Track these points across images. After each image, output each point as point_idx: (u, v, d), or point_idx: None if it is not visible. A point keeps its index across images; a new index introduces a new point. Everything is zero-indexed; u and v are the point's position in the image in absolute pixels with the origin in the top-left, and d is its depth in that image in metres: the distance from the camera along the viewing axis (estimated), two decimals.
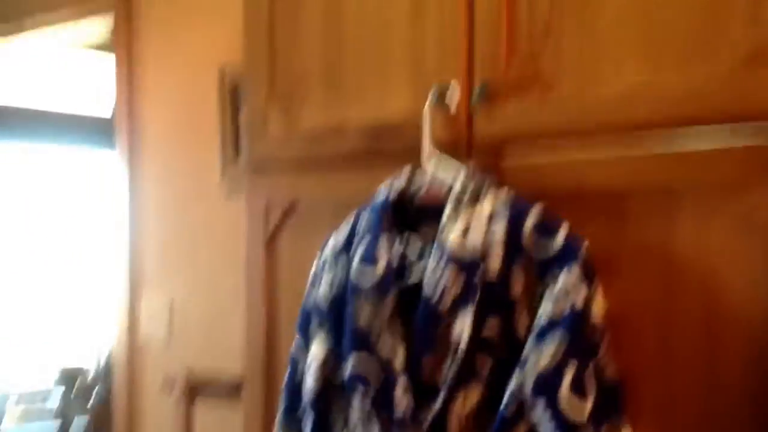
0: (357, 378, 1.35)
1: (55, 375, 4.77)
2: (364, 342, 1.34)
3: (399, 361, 1.32)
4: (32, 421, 4.52)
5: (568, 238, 1.26)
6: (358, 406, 1.37)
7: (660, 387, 1.26)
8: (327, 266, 1.46)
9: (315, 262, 1.51)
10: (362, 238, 1.41)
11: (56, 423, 4.54)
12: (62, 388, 4.63)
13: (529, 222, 1.29)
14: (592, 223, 1.30)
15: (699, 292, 1.23)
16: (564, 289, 1.23)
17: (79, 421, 4.57)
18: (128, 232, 3.09)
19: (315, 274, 1.50)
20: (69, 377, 4.68)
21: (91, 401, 4.47)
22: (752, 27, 1.17)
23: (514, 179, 1.38)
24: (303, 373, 1.46)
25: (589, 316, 1.23)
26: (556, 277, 1.24)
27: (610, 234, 1.30)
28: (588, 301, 1.23)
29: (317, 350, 1.43)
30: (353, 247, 1.42)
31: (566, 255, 1.25)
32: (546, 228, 1.28)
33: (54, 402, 4.64)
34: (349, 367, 1.36)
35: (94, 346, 4.73)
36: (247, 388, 1.75)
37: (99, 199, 4.26)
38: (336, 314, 1.42)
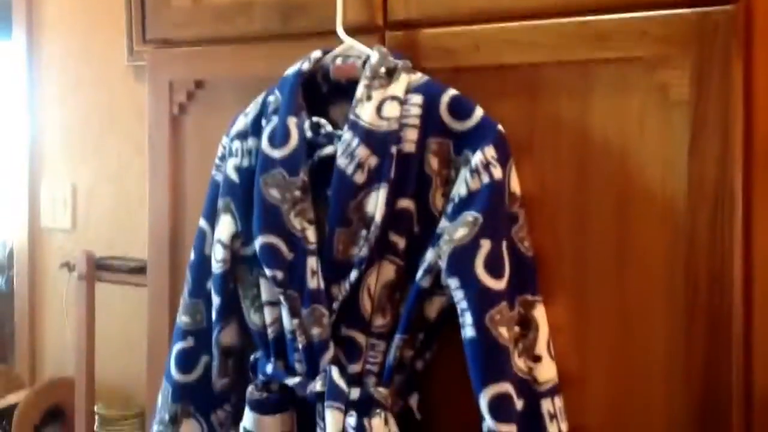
0: (266, 257, 1.23)
1: None
2: (273, 220, 1.23)
3: (310, 238, 1.22)
4: None
5: (483, 117, 1.18)
6: (267, 286, 1.27)
7: (573, 265, 1.20)
8: (234, 149, 1.33)
9: (220, 145, 1.37)
10: (271, 118, 1.28)
11: None
12: None
13: (445, 99, 1.20)
14: (506, 101, 1.22)
15: (613, 171, 1.16)
16: (479, 166, 1.15)
17: None
18: (28, 117, 2.85)
19: (221, 158, 1.37)
20: None
21: None
22: None
23: (429, 59, 1.28)
24: (209, 254, 1.34)
25: (504, 188, 1.16)
26: (470, 157, 1.17)
27: (524, 113, 1.21)
28: (503, 176, 1.16)
29: (224, 230, 1.31)
30: (263, 127, 1.29)
31: (481, 134, 1.17)
32: (461, 107, 1.19)
33: None
34: (257, 246, 1.24)
35: None
36: (151, 270, 1.60)
37: None
38: (243, 196, 1.29)
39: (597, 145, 1.17)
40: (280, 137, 1.25)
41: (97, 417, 2.26)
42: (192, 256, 1.38)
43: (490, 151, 1.15)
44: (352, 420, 1.19)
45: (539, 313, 1.17)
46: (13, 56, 2.88)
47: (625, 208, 1.15)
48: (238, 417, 1.33)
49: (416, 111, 1.20)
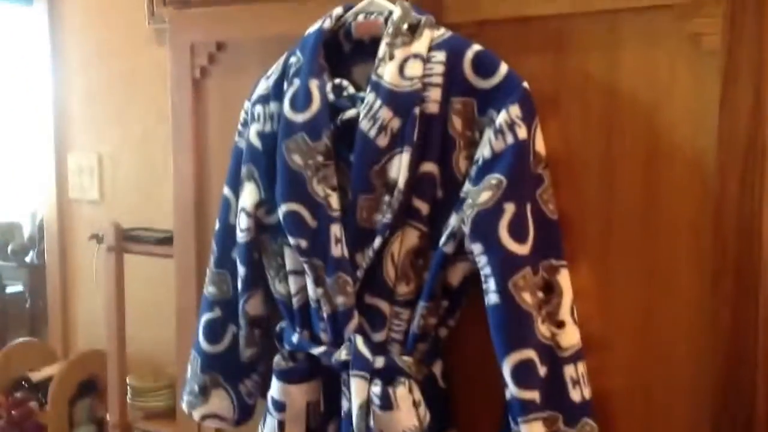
0: (289, 225, 1.25)
1: None
2: (296, 187, 1.24)
3: (333, 205, 1.23)
4: None
5: (509, 74, 1.17)
6: (291, 254, 1.29)
7: (599, 227, 1.20)
8: (256, 114, 1.33)
9: (243, 111, 1.38)
10: (293, 81, 1.28)
11: None
12: None
13: (469, 55, 1.19)
14: (531, 56, 1.22)
15: (642, 128, 1.16)
16: (503, 126, 1.14)
17: (14, 288, 4.41)
18: (51, 85, 2.88)
19: (243, 123, 1.38)
20: (3, 232, 4.45)
21: (29, 258, 4.28)
22: None
23: (453, 13, 1.28)
24: (234, 223, 1.36)
25: (528, 149, 1.16)
26: (494, 117, 1.16)
27: (550, 68, 1.21)
28: (528, 136, 1.15)
29: (247, 198, 1.33)
30: (284, 91, 1.29)
31: (505, 92, 1.16)
32: (485, 64, 1.18)
33: None
34: (281, 214, 1.25)
35: (28, 203, 4.50)
36: (177, 240, 1.63)
37: (20, 55, 3.97)
38: (266, 163, 1.30)
39: (625, 100, 1.16)
40: (302, 100, 1.25)
41: (129, 388, 2.31)
42: (217, 225, 1.41)
43: (514, 110, 1.14)
44: (376, 389, 1.21)
45: (563, 277, 1.18)
46: (35, 22, 2.91)
47: (653, 166, 1.15)
48: (266, 386, 1.37)
49: (439, 69, 1.19)
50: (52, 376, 2.63)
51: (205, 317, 1.41)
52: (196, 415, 1.43)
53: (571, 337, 1.17)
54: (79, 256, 2.91)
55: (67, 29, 2.83)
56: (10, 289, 4.38)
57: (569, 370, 1.16)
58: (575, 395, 1.16)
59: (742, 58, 1.07)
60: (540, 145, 1.17)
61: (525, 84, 1.16)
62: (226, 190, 1.39)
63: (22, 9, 3.29)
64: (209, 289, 1.41)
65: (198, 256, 1.58)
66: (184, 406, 1.45)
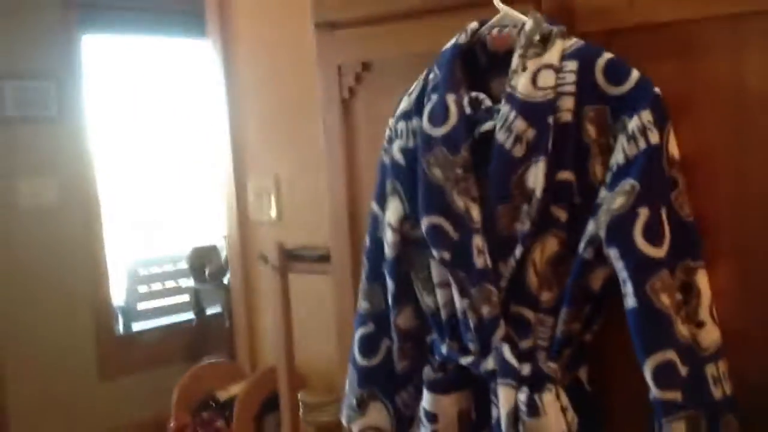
0: (433, 238, 1.30)
1: (187, 253, 4.76)
2: (438, 201, 1.30)
3: (474, 217, 1.27)
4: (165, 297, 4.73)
5: (640, 79, 1.20)
6: (437, 267, 1.34)
7: (734, 228, 1.20)
8: (399, 130, 1.41)
9: (387, 128, 1.45)
10: (431, 96, 1.34)
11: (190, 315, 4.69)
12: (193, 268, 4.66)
13: (600, 63, 1.22)
14: (662, 62, 1.24)
15: None
16: (635, 131, 1.17)
17: (213, 309, 4.68)
18: (228, 113, 3.07)
19: (388, 140, 1.45)
20: (200, 256, 4.71)
21: (226, 279, 4.51)
22: None
23: (584, 22, 1.31)
24: (382, 238, 1.43)
25: (661, 153, 1.17)
26: (627, 123, 1.19)
27: (680, 71, 1.23)
28: (660, 140, 1.17)
29: (393, 213, 1.40)
30: (424, 106, 1.35)
31: (637, 97, 1.19)
32: (617, 71, 1.22)
33: (187, 282, 4.75)
34: (424, 227, 1.31)
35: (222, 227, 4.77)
36: (333, 255, 1.72)
37: (195, 87, 4.25)
38: (409, 178, 1.37)
39: (755, 101, 1.16)
40: (439, 115, 1.31)
41: (301, 404, 2.41)
42: (367, 241, 1.49)
43: (646, 115, 1.17)
44: (523, 396, 1.25)
45: (701, 278, 1.18)
46: (209, 54, 3.12)
47: None
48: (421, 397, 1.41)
49: (571, 78, 1.23)
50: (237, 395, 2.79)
51: (360, 332, 1.48)
52: (355, 428, 1.50)
53: (711, 336, 1.18)
54: (262, 276, 3.07)
55: (240, 58, 3.01)
56: (209, 311, 4.69)
57: (710, 369, 1.17)
58: (717, 392, 1.17)
59: None
60: (673, 149, 1.19)
61: (656, 89, 1.18)
62: (374, 206, 1.46)
63: (196, 42, 3.51)
64: (362, 304, 1.48)
65: (353, 272, 1.67)
66: (343, 420, 1.53)
